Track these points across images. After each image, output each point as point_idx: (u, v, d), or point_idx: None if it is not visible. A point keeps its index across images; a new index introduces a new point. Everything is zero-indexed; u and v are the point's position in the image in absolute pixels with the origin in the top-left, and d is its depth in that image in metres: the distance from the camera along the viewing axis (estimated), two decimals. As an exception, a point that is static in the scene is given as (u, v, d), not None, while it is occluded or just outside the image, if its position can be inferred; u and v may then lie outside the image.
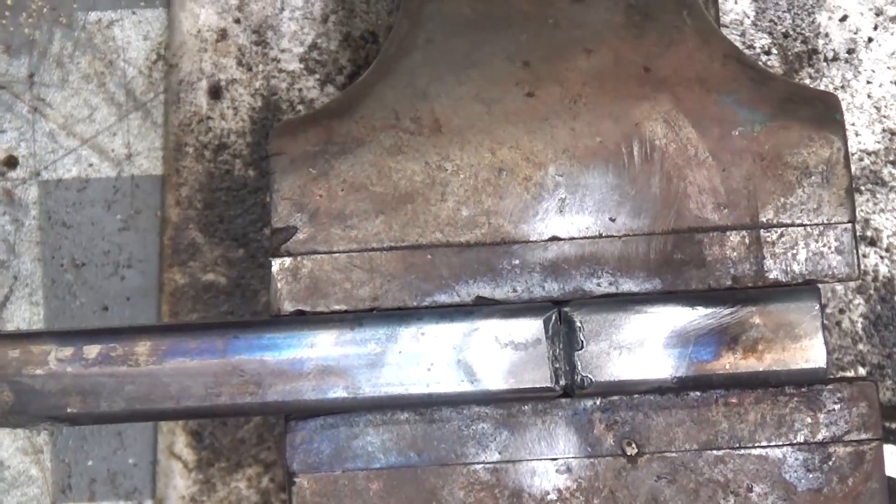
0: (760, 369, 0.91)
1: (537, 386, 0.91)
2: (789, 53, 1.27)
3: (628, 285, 0.94)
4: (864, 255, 1.25)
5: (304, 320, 0.94)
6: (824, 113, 0.95)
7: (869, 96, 1.26)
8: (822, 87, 1.25)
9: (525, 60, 0.98)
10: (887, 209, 1.25)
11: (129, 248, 1.33)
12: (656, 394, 0.93)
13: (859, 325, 1.25)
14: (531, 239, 0.95)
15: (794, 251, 0.94)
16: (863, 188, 1.25)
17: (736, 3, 1.28)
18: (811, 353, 0.91)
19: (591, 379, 0.91)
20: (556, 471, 0.93)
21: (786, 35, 1.28)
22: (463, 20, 1.01)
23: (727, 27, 1.27)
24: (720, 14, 1.22)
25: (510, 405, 0.93)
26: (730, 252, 0.94)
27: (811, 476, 0.92)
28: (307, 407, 0.92)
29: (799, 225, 0.94)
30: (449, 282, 0.94)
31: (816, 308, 0.91)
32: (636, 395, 0.93)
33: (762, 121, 0.95)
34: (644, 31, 0.99)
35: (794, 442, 0.92)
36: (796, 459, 0.92)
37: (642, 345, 0.91)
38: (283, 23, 1.32)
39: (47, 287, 1.33)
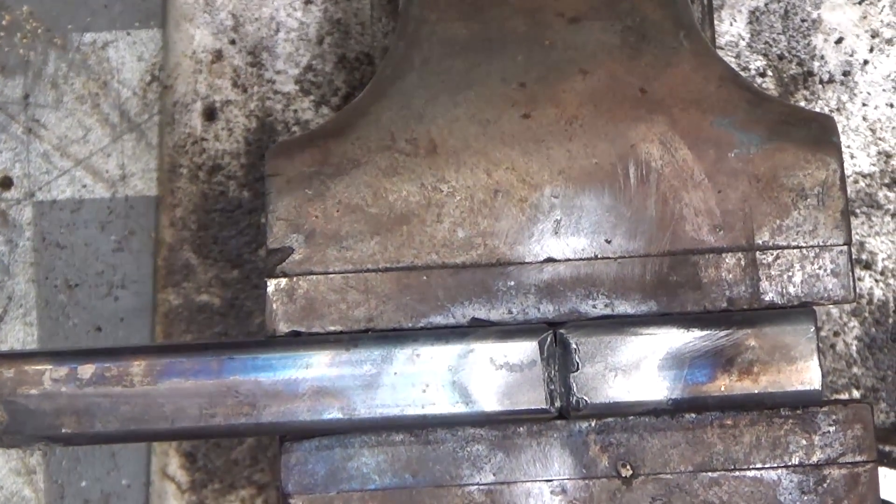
0: (755, 391, 0.91)
1: (532, 408, 0.91)
2: (784, 76, 1.27)
3: (624, 307, 0.94)
4: (859, 279, 1.25)
5: (300, 341, 0.93)
6: (821, 135, 0.95)
7: (864, 119, 1.27)
8: (817, 110, 1.25)
9: (521, 82, 0.98)
10: (882, 232, 1.25)
11: (122, 269, 1.33)
12: (651, 416, 0.92)
13: (854, 347, 1.25)
14: (526, 260, 0.94)
15: (790, 273, 0.93)
16: (858, 211, 1.25)
17: (731, 24, 1.29)
18: (806, 376, 0.91)
19: (586, 401, 0.91)
20: (551, 492, 0.93)
21: (781, 57, 1.28)
22: (459, 42, 1.01)
23: (722, 49, 1.27)
24: (716, 36, 1.22)
25: (505, 427, 0.93)
26: (725, 274, 0.94)
27: (806, 498, 0.92)
28: (302, 428, 0.92)
29: (795, 247, 0.94)
30: (444, 303, 0.94)
31: (812, 330, 0.91)
32: (631, 417, 0.93)
33: (758, 143, 0.95)
34: (640, 52, 0.99)
35: (789, 464, 0.92)
36: (791, 482, 0.92)
37: (638, 367, 0.91)
38: (279, 44, 1.32)
39: (41, 308, 1.33)
